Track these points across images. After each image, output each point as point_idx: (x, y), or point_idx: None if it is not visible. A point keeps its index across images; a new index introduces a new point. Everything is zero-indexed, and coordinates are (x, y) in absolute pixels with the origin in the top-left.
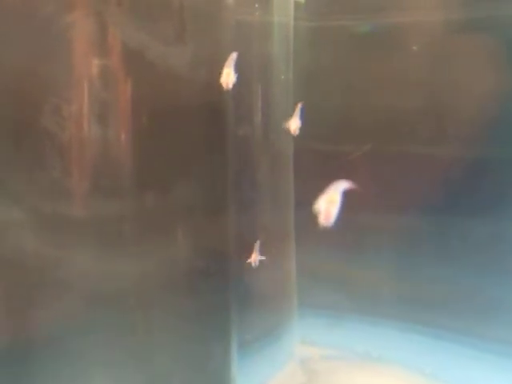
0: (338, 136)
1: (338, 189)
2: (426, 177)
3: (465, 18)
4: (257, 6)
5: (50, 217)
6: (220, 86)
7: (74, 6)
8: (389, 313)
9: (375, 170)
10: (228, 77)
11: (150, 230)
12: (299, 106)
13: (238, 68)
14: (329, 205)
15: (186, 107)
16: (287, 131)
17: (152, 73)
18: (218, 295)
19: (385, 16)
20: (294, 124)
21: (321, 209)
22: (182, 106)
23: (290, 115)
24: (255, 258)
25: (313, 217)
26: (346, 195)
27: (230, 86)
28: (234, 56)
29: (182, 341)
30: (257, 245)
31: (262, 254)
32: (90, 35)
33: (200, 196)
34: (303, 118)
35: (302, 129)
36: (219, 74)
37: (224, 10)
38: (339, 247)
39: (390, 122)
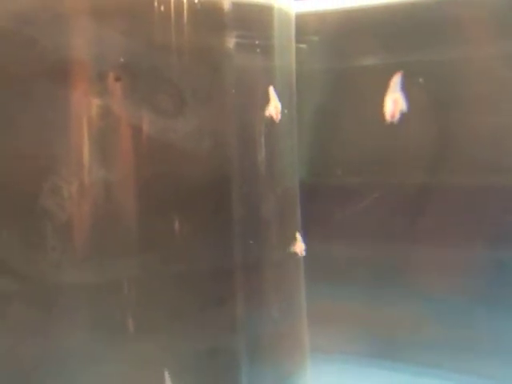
0: (345, 171)
1: (397, 87)
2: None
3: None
4: (258, 49)
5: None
6: (224, 153)
7: (71, 85)
8: (408, 357)
9: (385, 203)
10: (277, 109)
11: (153, 305)
12: None
13: (241, 117)
14: (394, 104)
15: (190, 177)
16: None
17: (154, 148)
18: (226, 349)
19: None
20: None
21: (387, 107)
22: (187, 177)
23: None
24: (301, 249)
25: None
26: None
27: (280, 117)
28: (272, 89)
29: None
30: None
31: (271, 304)
32: (89, 113)
33: (204, 260)
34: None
35: (307, 164)
36: (222, 142)
37: (225, 65)
38: (352, 286)
39: (398, 158)
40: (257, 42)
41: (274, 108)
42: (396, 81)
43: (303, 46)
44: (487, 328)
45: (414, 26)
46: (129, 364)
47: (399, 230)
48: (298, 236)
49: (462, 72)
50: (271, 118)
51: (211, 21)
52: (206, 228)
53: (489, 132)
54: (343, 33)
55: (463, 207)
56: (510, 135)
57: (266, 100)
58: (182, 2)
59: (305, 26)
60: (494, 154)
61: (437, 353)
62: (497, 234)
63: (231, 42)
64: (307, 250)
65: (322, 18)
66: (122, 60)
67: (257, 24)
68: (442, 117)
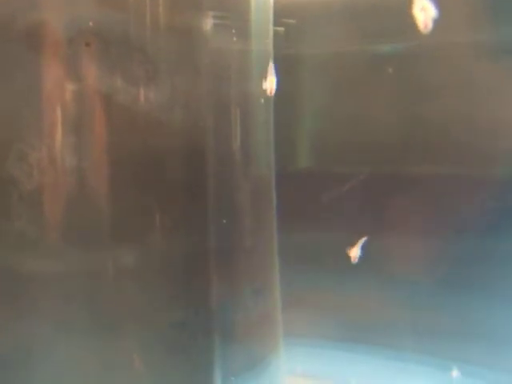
0: (320, 158)
1: None
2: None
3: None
4: (233, 31)
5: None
6: (198, 125)
7: (41, 49)
8: (386, 342)
9: (363, 191)
10: (272, 84)
11: (125, 284)
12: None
13: (215, 97)
14: (424, 12)
15: (162, 150)
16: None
17: (124, 117)
18: (200, 331)
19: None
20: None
21: (418, 18)
22: (158, 150)
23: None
24: (355, 255)
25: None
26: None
27: (273, 92)
28: (271, 64)
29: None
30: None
31: (244, 289)
32: (57, 79)
33: (178, 242)
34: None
35: (283, 152)
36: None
37: (200, 43)
38: (327, 270)
39: (372, 146)
40: (233, 24)
41: (269, 82)
42: None
43: (281, 29)
44: (475, 313)
45: (393, 13)
46: (100, 350)
47: (369, 216)
48: (359, 242)
49: (432, 60)
50: (246, 100)
51: None
52: (177, 206)
53: (457, 121)
54: (322, 17)
55: (431, 196)
56: (477, 125)
57: (242, 83)
58: None
59: (283, 8)
60: (463, 143)
61: (418, 337)
62: (464, 223)
63: (207, 22)
64: (282, 236)
65: (300, 1)
66: (92, 25)
67: (233, 5)
68: (410, 106)
